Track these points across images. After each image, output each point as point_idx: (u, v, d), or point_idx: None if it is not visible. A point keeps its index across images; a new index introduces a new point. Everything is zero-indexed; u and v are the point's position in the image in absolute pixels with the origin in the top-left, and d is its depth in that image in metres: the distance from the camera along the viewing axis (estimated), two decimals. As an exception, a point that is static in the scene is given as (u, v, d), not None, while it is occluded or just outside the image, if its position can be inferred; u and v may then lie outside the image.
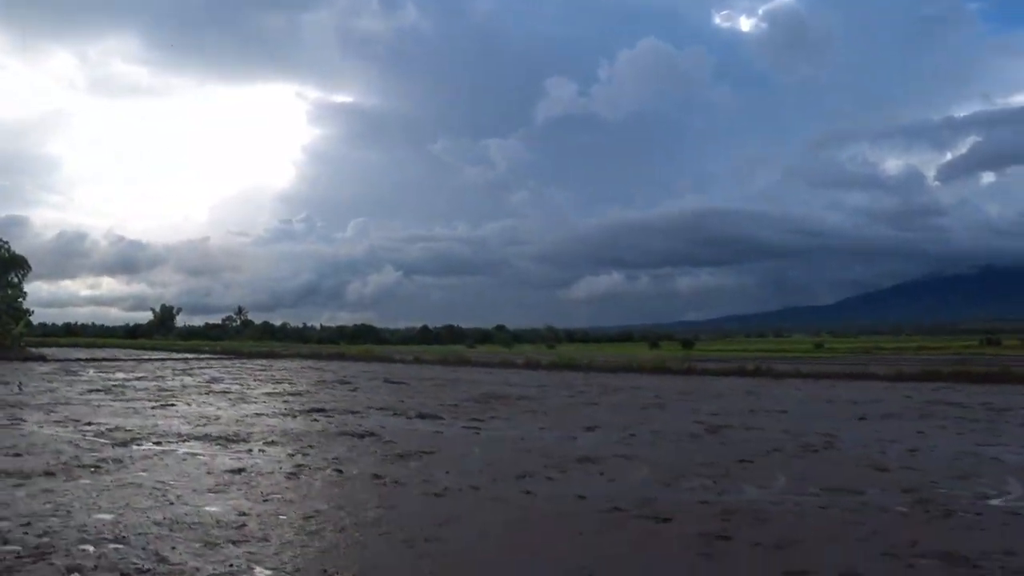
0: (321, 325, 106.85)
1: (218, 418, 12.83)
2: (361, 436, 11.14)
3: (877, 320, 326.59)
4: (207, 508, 6.49)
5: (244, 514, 6.30)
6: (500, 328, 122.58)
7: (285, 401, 16.18)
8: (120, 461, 8.46)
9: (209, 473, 8.04)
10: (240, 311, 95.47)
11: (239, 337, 77.70)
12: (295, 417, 13.39)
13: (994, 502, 7.30)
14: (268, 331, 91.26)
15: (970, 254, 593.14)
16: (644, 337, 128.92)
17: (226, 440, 10.41)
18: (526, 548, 5.71)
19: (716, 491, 7.81)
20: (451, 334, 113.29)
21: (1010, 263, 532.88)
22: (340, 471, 8.41)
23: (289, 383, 21.53)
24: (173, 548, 5.25)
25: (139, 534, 5.59)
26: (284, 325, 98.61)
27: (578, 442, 11.07)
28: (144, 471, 8.05)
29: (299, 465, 8.68)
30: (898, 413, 15.25)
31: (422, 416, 13.97)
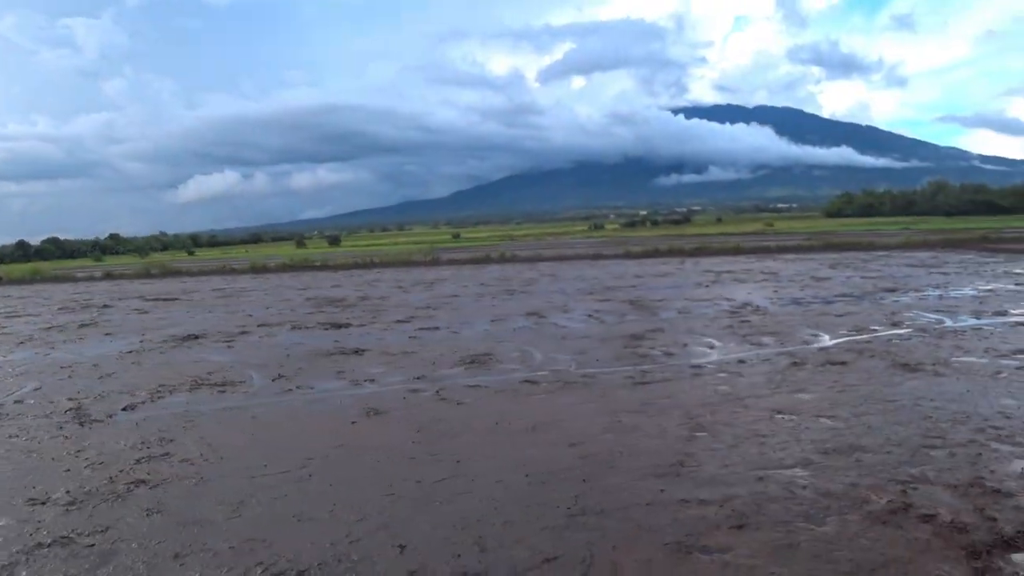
0: None
1: (92, 364, 9.12)
2: (356, 352, 9.20)
3: (488, 211, 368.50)
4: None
5: (583, 456, 4.96)
6: (115, 237, 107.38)
7: (108, 333, 12.17)
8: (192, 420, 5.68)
9: (353, 423, 5.95)
10: None
11: None
12: (178, 347, 10.29)
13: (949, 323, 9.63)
14: None
15: (565, 150, 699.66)
16: (276, 238, 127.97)
17: (211, 386, 7.62)
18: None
19: (792, 344, 8.73)
20: (58, 248, 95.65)
21: (596, 159, 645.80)
22: (474, 387, 7.00)
23: (32, 315, 15.99)
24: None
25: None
26: None
27: (565, 327, 10.86)
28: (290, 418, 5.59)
29: (413, 390, 6.94)
30: (719, 281, 17.82)
31: (337, 326, 11.99)
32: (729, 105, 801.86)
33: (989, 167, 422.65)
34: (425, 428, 5.66)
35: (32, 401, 7.21)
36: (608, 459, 4.74)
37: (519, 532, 3.69)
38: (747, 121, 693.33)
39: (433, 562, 3.40)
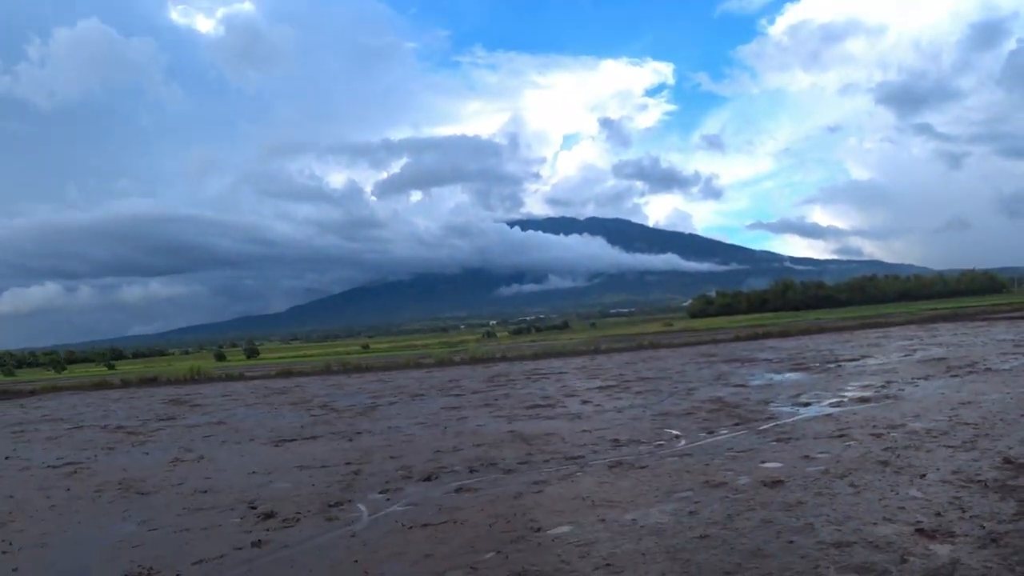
0: None
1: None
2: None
3: (329, 325, 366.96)
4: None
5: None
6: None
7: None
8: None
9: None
10: None
11: None
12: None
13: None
14: None
15: (405, 262, 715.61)
16: (137, 355, 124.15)
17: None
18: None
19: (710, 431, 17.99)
20: None
21: (436, 270, 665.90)
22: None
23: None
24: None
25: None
26: None
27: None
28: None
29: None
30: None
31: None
32: (562, 217, 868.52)
33: (799, 267, 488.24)
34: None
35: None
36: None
37: None
38: (580, 232, 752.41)
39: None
